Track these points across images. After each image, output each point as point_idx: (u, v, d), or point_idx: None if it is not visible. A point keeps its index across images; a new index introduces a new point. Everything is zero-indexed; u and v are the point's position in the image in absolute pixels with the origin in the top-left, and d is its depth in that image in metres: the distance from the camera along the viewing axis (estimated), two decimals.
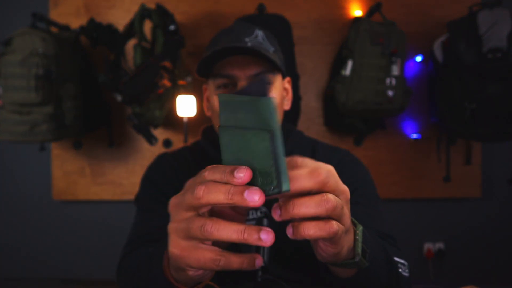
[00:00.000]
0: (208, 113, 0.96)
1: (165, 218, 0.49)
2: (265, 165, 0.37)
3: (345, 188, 0.44)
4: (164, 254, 0.54)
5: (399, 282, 0.66)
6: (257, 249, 0.48)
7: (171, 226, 0.44)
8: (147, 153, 2.06)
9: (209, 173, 0.40)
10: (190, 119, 1.90)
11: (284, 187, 0.36)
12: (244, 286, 0.80)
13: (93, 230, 2.13)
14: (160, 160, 0.98)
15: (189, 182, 0.44)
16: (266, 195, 0.37)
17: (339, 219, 0.42)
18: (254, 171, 0.38)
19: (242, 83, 0.82)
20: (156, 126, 1.83)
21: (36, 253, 2.15)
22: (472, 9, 1.72)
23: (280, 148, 0.37)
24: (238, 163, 0.39)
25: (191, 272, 0.46)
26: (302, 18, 2.01)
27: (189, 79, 1.86)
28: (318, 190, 0.40)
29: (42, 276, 2.15)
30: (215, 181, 0.39)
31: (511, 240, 2.09)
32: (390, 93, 1.67)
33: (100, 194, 2.08)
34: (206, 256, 0.41)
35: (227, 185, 0.38)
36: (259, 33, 0.84)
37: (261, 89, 0.38)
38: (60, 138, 1.76)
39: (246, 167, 0.38)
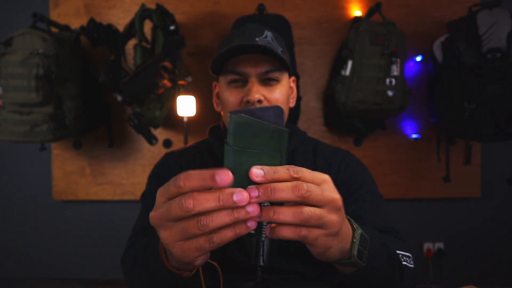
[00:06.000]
0: (217, 109, 1.00)
1: None
2: None
3: (333, 197, 0.47)
4: (160, 246, 0.58)
5: (402, 274, 0.70)
6: (257, 249, 0.49)
7: (164, 235, 0.46)
8: (147, 153, 2.07)
9: (185, 182, 0.43)
10: (190, 119, 1.90)
11: None
12: (244, 286, 0.80)
13: (93, 230, 2.13)
14: (166, 158, 1.02)
15: (160, 191, 0.46)
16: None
17: (320, 227, 0.47)
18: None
19: (253, 80, 0.86)
20: (156, 126, 1.83)
21: (36, 253, 2.16)
22: (471, 9, 1.72)
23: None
24: (247, 180, 0.44)
25: (198, 262, 0.49)
26: (302, 18, 2.02)
27: (189, 79, 1.86)
28: (299, 202, 0.45)
29: (42, 276, 2.15)
30: (194, 189, 0.43)
31: (510, 240, 2.09)
32: (390, 93, 1.67)
33: (100, 194, 2.08)
34: (200, 241, 0.44)
35: (214, 192, 0.42)
36: (269, 34, 0.89)
37: (278, 120, 0.46)
38: (60, 138, 1.76)
39: (225, 169, 0.42)
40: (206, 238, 0.44)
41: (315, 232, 0.47)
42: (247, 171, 0.44)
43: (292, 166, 0.46)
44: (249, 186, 0.43)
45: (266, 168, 0.44)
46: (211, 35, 2.02)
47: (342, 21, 2.01)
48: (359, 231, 0.56)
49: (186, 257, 0.46)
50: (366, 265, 0.58)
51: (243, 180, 0.44)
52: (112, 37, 1.81)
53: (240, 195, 0.42)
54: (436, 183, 2.04)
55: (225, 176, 0.41)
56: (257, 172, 0.43)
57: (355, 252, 0.55)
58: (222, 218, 0.42)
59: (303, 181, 0.45)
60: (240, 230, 0.44)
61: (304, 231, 0.46)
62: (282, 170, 0.45)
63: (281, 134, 0.46)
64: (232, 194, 0.42)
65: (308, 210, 0.45)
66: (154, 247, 0.61)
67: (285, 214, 0.44)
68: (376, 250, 0.62)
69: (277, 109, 0.47)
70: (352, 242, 0.55)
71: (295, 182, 0.44)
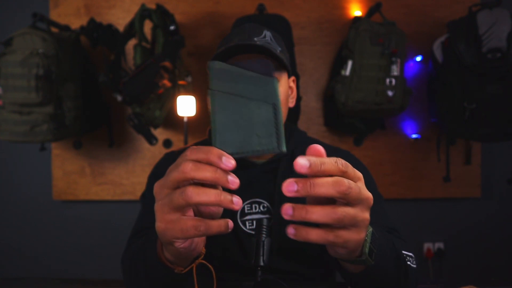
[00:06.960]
0: None
1: None
2: (265, 131, 0.43)
3: (368, 196, 0.45)
4: (157, 240, 0.58)
5: (407, 274, 0.70)
6: (257, 249, 0.49)
7: (156, 206, 0.47)
8: (147, 153, 2.07)
9: (191, 153, 0.44)
10: (190, 119, 1.90)
11: (283, 148, 0.44)
12: (244, 286, 0.80)
13: (93, 230, 2.13)
14: (166, 158, 1.03)
15: (171, 167, 0.47)
16: (263, 154, 0.44)
17: (353, 226, 0.44)
18: (251, 134, 0.44)
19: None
20: (156, 126, 1.83)
21: (36, 253, 2.16)
22: (471, 9, 1.72)
23: (281, 119, 0.44)
24: (234, 125, 0.44)
25: (177, 244, 0.50)
26: (302, 18, 2.02)
27: (189, 79, 1.86)
28: (339, 198, 0.42)
29: (42, 276, 2.15)
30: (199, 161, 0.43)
31: (510, 240, 2.09)
32: (390, 93, 1.67)
33: (100, 194, 2.08)
34: (188, 224, 0.45)
35: (213, 166, 0.43)
36: (267, 34, 0.89)
37: (267, 70, 0.45)
38: (60, 138, 1.76)
39: (232, 158, 0.43)
40: (194, 224, 0.45)
41: (344, 236, 0.44)
42: (232, 117, 0.44)
43: (339, 158, 0.43)
44: (288, 180, 0.41)
45: (313, 159, 0.40)
46: (211, 35, 2.02)
47: (342, 21, 2.01)
48: (370, 229, 0.56)
49: (167, 234, 0.46)
50: (375, 264, 0.57)
51: (229, 123, 0.44)
52: (112, 37, 1.81)
53: (235, 180, 0.43)
54: (436, 183, 2.04)
55: (230, 164, 0.43)
56: (302, 163, 0.40)
57: (366, 250, 0.54)
58: (208, 196, 0.43)
59: (347, 177, 0.43)
60: (226, 228, 0.45)
61: (331, 237, 0.43)
62: (330, 162, 0.41)
63: (267, 81, 0.45)
64: (228, 174, 0.43)
65: (342, 210, 0.42)
66: (152, 240, 0.62)
67: (319, 213, 0.41)
68: (384, 249, 0.62)
69: (265, 63, 0.46)
70: (364, 240, 0.54)
71: (336, 178, 0.41)
